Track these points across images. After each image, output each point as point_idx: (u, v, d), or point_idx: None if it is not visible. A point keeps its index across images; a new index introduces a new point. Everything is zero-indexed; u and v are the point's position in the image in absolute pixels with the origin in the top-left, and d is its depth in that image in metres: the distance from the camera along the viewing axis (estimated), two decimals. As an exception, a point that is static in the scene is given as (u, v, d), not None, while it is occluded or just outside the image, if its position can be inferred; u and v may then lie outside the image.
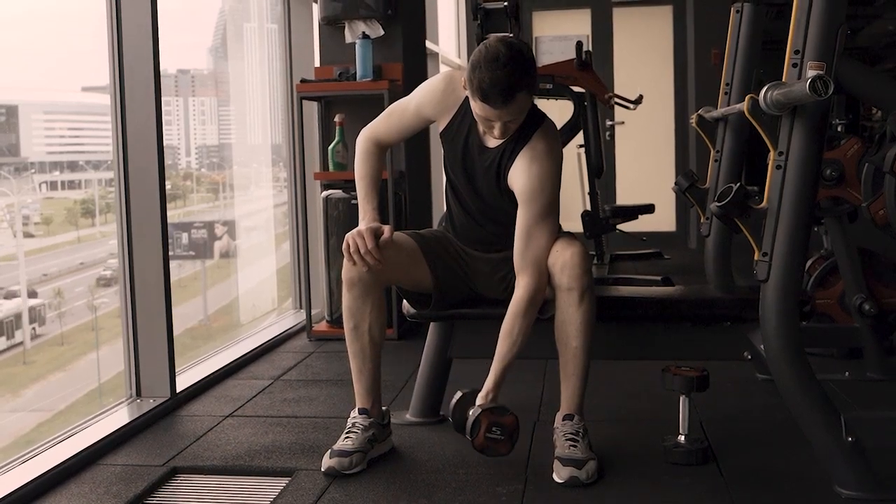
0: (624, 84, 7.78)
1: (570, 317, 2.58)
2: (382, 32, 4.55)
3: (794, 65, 2.24)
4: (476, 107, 2.50)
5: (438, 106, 2.71)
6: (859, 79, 2.38)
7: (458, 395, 2.60)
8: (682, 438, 2.63)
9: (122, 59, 3.15)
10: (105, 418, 3.04)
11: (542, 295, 2.61)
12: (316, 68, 4.73)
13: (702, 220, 3.69)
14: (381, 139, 2.82)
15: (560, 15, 8.54)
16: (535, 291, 2.58)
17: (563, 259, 2.56)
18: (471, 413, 2.50)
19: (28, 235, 4.49)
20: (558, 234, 2.64)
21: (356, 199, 2.78)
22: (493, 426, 2.48)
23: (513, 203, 2.63)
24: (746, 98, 2.31)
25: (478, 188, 2.71)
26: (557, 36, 8.12)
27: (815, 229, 3.69)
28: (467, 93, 2.53)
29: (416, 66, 5.03)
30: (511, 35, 2.41)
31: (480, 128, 2.63)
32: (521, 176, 2.60)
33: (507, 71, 2.42)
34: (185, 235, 5.13)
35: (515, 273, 2.62)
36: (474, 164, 2.69)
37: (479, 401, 2.52)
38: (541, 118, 2.66)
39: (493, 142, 2.64)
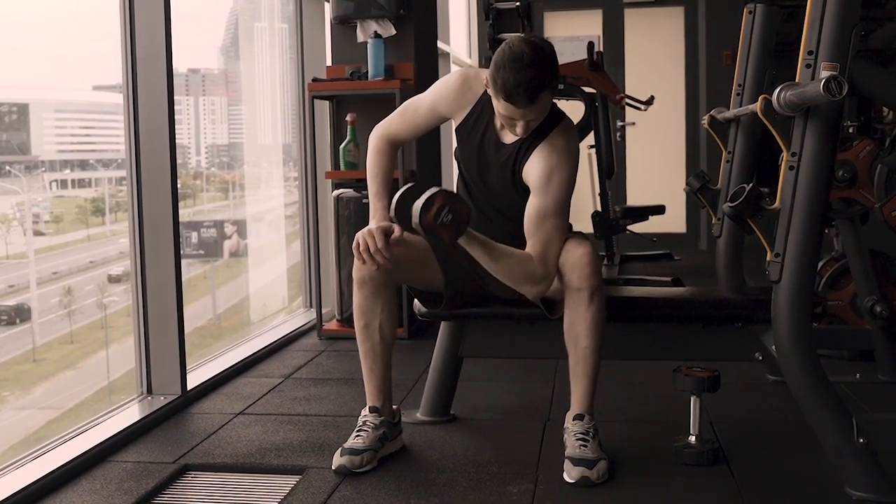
0: (635, 85, 7.77)
1: (579, 317, 2.57)
2: (394, 32, 4.55)
3: (808, 65, 2.24)
4: (499, 106, 2.49)
5: (454, 104, 2.71)
6: (873, 80, 2.38)
7: (402, 190, 2.44)
8: (692, 439, 2.63)
9: (136, 59, 3.16)
10: (116, 415, 3.05)
11: (547, 284, 2.59)
12: (328, 67, 4.74)
13: (713, 221, 3.69)
14: (394, 137, 2.82)
15: (572, 15, 8.53)
16: (537, 265, 2.55)
17: (573, 259, 2.55)
18: (427, 192, 2.34)
19: (38, 234, 4.50)
20: (569, 234, 2.64)
21: (367, 198, 2.78)
22: (445, 209, 2.36)
23: (525, 199, 2.62)
24: (760, 98, 2.31)
25: (490, 184, 2.71)
26: (569, 36, 8.11)
27: (827, 231, 3.68)
28: (490, 92, 2.51)
29: (428, 65, 5.03)
30: (533, 35, 2.40)
31: (498, 123, 2.63)
32: (536, 166, 2.59)
33: (531, 71, 2.41)
34: (194, 234, 5.14)
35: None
36: (489, 160, 2.69)
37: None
38: (560, 116, 2.65)
39: (509, 137, 2.63)
